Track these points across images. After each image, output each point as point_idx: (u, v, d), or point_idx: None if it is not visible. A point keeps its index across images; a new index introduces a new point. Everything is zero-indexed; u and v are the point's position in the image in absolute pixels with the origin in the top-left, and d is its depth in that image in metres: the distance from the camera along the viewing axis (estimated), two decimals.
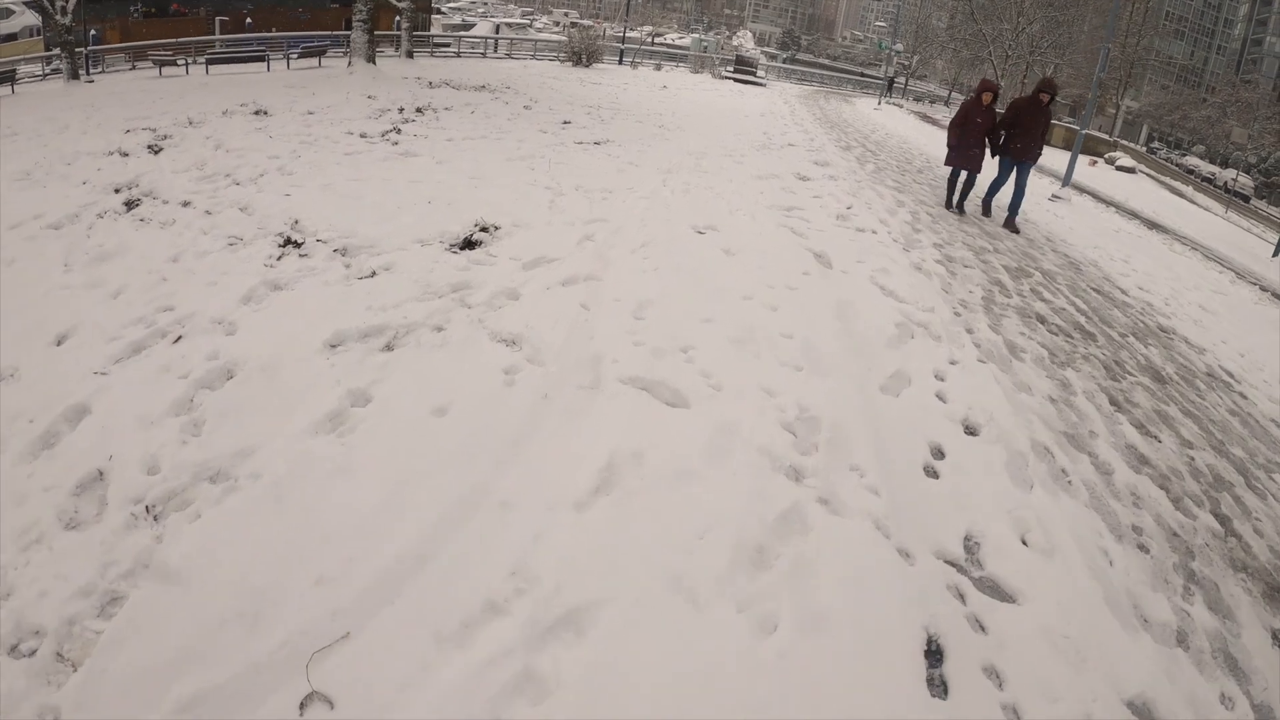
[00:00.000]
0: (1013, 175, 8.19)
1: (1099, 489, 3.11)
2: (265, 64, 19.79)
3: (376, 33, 27.13)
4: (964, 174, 8.31)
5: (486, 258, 4.65)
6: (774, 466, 2.75)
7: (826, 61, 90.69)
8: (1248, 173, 40.74)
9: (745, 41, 34.69)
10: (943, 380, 3.70)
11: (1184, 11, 59.09)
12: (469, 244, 4.88)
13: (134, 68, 21.74)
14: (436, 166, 7.06)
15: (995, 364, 4.06)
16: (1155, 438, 3.82)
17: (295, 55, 21.16)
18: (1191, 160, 43.69)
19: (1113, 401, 4.09)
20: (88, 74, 17.75)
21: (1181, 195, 24.52)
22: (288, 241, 4.80)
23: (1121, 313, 6.19)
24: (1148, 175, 27.27)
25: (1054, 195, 12.47)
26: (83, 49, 18.00)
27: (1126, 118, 49.16)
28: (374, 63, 14.79)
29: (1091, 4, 39.21)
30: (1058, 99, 7.95)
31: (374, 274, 4.30)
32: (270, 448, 2.69)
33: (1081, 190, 15.24)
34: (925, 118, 30.84)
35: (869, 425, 3.11)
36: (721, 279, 4.57)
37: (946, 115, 36.34)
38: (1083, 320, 5.54)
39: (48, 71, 18.63)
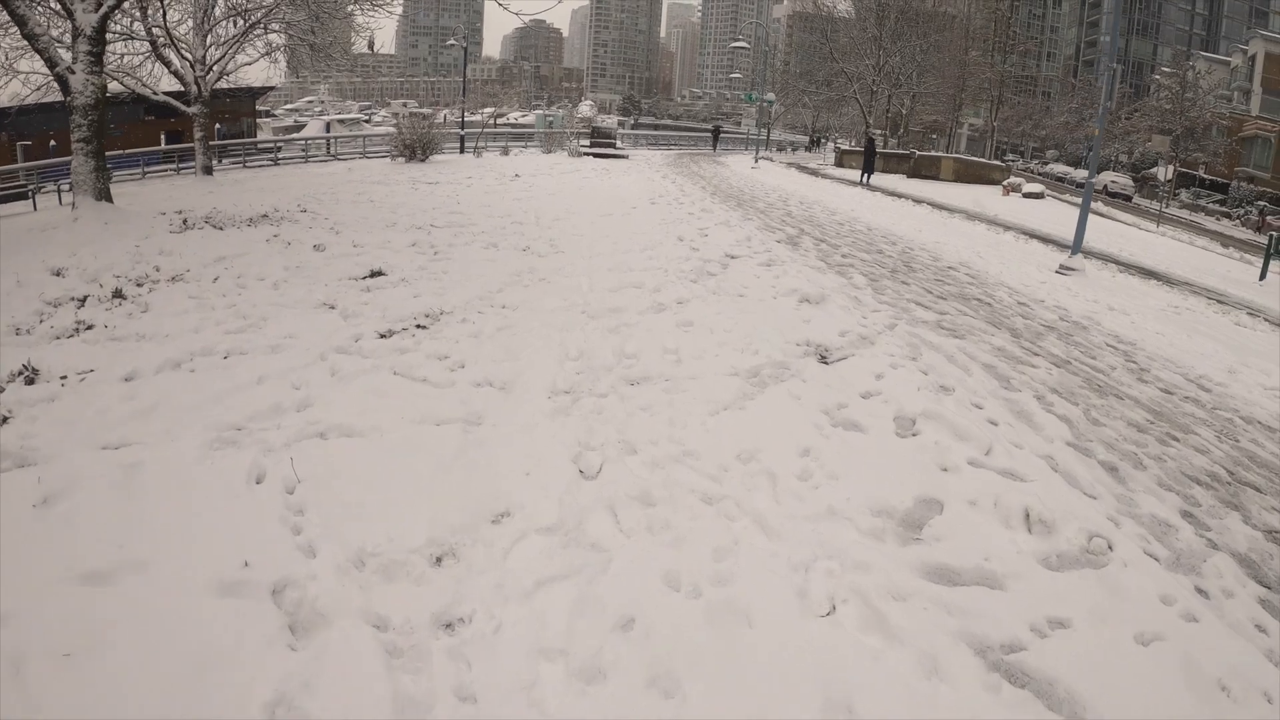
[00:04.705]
0: None
1: None
2: (31, 200, 14.82)
3: (182, 145, 22.27)
4: None
5: None
6: None
7: (669, 121, 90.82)
8: (1118, 172, 40.77)
9: (589, 111, 32.18)
10: None
11: (1014, 27, 62.68)
12: None
13: None
14: None
15: None
16: None
17: (65, 187, 16.03)
18: (1057, 168, 43.20)
19: None
20: None
21: (1105, 216, 22.97)
22: None
23: None
24: (1052, 196, 25.83)
25: (1063, 266, 9.52)
26: None
27: (971, 134, 50.56)
28: (107, 199, 9.99)
29: (944, 29, 39.93)
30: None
31: None
32: None
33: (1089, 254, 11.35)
34: (803, 168, 29.10)
35: None
36: None
37: (817, 160, 35.63)
38: None
39: None
